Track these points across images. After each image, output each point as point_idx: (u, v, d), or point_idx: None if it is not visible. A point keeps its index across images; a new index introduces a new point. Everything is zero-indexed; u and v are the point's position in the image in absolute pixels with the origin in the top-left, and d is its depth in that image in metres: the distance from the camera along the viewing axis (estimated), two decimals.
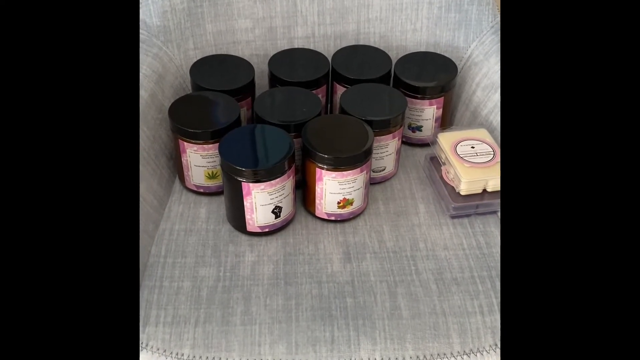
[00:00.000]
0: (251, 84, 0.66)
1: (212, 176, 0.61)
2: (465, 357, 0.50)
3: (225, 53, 0.71)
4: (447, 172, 0.62)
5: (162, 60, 0.68)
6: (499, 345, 0.51)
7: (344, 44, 0.73)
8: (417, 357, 0.50)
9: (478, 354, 0.50)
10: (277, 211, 0.57)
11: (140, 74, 0.63)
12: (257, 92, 0.67)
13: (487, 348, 0.51)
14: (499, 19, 0.72)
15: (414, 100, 0.66)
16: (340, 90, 0.68)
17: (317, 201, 0.59)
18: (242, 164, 0.53)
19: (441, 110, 0.68)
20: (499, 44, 0.69)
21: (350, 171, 0.56)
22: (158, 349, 0.49)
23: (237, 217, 0.57)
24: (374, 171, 0.64)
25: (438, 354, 0.50)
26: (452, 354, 0.50)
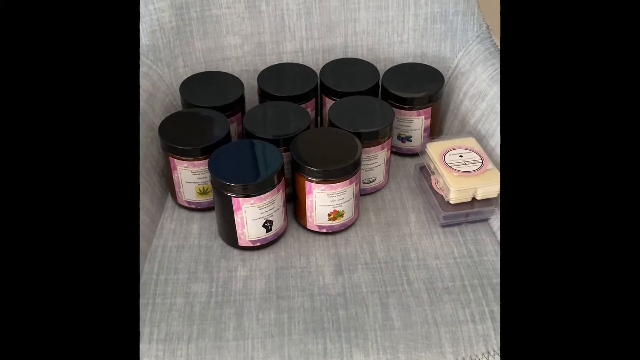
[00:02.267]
0: (241, 100, 0.67)
1: (203, 192, 0.61)
2: None
3: (215, 70, 0.72)
4: (437, 182, 0.62)
5: (152, 78, 0.69)
6: (491, 353, 0.51)
7: (332, 58, 0.74)
8: None
9: None
10: (268, 225, 0.57)
11: None
12: (248, 107, 0.68)
13: (480, 356, 0.51)
14: (484, 28, 0.73)
15: (402, 111, 0.67)
16: (329, 103, 0.68)
17: (307, 214, 0.59)
18: (231, 179, 0.54)
19: (429, 120, 0.68)
20: (484, 53, 0.70)
21: (339, 183, 0.56)
22: None
23: (228, 232, 0.58)
24: (364, 182, 0.64)
25: None
26: None
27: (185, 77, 0.70)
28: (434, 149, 0.63)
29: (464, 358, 0.50)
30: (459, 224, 0.61)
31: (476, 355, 0.51)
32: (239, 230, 0.57)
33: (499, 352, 0.51)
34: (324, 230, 0.60)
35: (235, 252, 0.59)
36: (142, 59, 0.69)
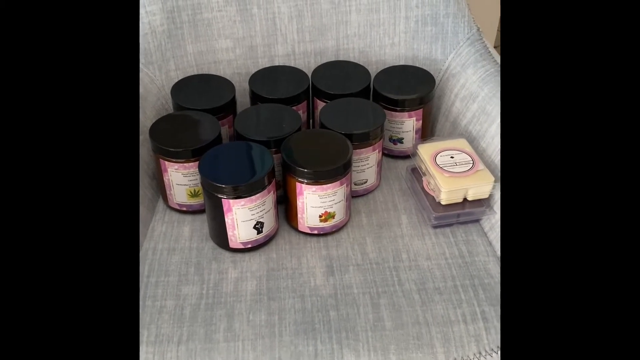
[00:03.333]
0: (232, 102, 0.67)
1: (194, 194, 0.61)
2: None
3: (206, 73, 0.72)
4: (428, 183, 0.62)
5: (144, 81, 0.69)
6: (482, 354, 0.51)
7: (324, 60, 0.74)
8: None
9: None
10: (258, 227, 0.57)
11: None
12: (239, 110, 0.68)
13: (471, 356, 0.50)
14: (474, 30, 0.73)
15: (393, 112, 0.67)
16: (320, 105, 0.68)
17: (299, 215, 0.59)
18: (221, 180, 0.53)
19: (421, 122, 0.68)
20: (475, 55, 0.70)
21: (330, 184, 0.56)
22: None
23: (219, 234, 0.58)
24: (356, 184, 0.64)
25: None
26: None
27: (176, 80, 0.70)
28: (425, 150, 0.63)
29: (455, 358, 0.50)
30: (450, 225, 0.61)
31: (467, 356, 0.50)
32: (229, 232, 0.57)
33: (490, 352, 0.51)
34: (316, 232, 0.60)
35: (227, 254, 0.59)
36: None
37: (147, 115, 0.67)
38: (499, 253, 0.59)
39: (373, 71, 0.72)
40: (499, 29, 1.17)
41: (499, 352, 0.51)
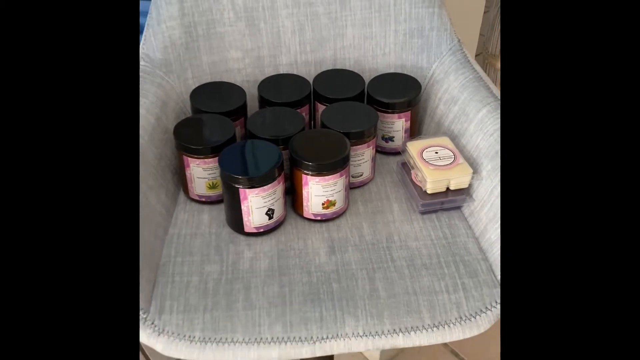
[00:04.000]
0: (243, 106, 0.76)
1: (212, 186, 0.70)
2: (434, 329, 0.59)
3: (219, 80, 0.81)
4: (416, 175, 0.72)
5: (165, 88, 0.77)
6: (463, 318, 0.60)
7: (323, 69, 0.83)
8: (394, 330, 0.58)
9: (446, 326, 0.59)
10: (270, 213, 0.66)
11: (147, 101, 0.72)
12: (249, 113, 0.77)
13: (453, 320, 0.59)
14: (456, 42, 0.82)
15: (385, 114, 0.76)
16: (321, 108, 0.77)
17: (304, 204, 0.68)
18: (238, 172, 0.62)
19: (409, 122, 0.78)
20: (456, 64, 0.80)
21: (331, 176, 0.65)
22: (173, 333, 0.58)
23: (235, 220, 0.66)
24: (353, 176, 0.73)
25: (411, 327, 0.59)
26: (423, 326, 0.59)
27: (193, 87, 0.79)
28: (414, 147, 0.72)
29: (439, 322, 0.59)
30: (435, 211, 0.70)
31: (450, 320, 0.59)
32: (245, 218, 0.65)
33: (469, 317, 0.60)
34: (319, 218, 0.69)
35: (242, 237, 0.67)
36: (156, 71, 0.78)
37: (169, 118, 0.76)
38: (477, 235, 0.68)
39: (367, 78, 0.82)
40: (478, 41, 1.26)
41: (477, 317, 0.60)
